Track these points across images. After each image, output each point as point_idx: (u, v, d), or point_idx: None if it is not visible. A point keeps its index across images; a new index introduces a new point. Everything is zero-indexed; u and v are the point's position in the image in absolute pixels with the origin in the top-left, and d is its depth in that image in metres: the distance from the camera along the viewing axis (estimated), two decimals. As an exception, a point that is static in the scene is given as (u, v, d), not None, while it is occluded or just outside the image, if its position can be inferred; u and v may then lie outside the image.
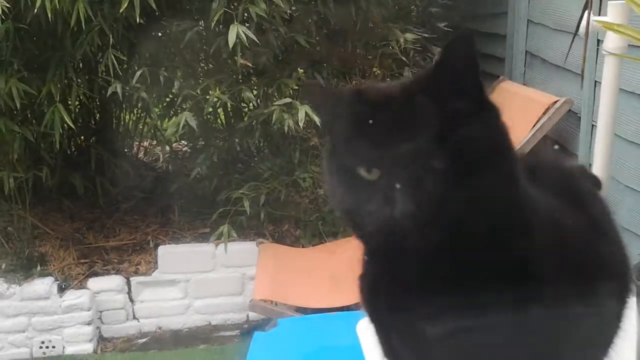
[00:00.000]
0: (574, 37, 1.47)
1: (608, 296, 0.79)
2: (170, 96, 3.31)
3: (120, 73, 2.86)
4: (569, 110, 2.55)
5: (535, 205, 0.69)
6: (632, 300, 0.86)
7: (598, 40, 2.09)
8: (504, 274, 0.65)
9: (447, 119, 0.63)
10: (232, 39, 2.46)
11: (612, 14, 1.43)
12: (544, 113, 2.56)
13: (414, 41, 3.15)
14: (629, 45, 1.54)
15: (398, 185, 0.61)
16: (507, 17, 3.39)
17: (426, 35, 3.27)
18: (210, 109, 3.25)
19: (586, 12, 1.42)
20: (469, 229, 0.62)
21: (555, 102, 2.54)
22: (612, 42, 1.47)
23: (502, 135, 0.66)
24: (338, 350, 1.86)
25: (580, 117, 2.46)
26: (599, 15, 1.61)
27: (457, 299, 0.65)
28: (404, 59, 3.15)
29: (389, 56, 3.17)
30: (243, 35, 2.47)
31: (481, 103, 0.66)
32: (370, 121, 0.64)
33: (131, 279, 3.19)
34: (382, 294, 0.71)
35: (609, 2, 1.45)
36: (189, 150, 3.75)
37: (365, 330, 1.35)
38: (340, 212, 0.69)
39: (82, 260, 3.25)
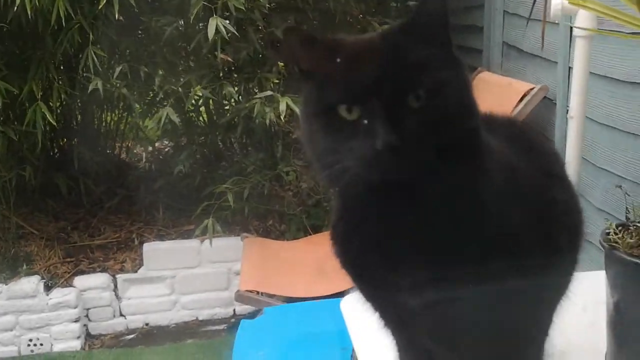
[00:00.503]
0: (528, 20, 1.51)
1: (565, 246, 0.83)
2: (152, 93, 3.32)
3: (101, 70, 2.87)
4: (545, 97, 2.60)
5: (494, 153, 0.74)
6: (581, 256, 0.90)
7: (571, 28, 2.13)
8: (469, 220, 0.69)
9: (421, 62, 0.67)
10: (211, 31, 2.49)
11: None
12: (521, 100, 2.61)
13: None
14: (598, 28, 1.59)
15: (378, 121, 0.65)
16: (484, 9, 3.44)
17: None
18: (192, 106, 3.27)
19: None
20: (441, 169, 0.66)
21: (531, 89, 2.59)
22: (582, 24, 1.51)
23: (468, 85, 0.71)
24: (323, 335, 1.90)
25: (555, 104, 2.51)
26: None
27: (429, 247, 0.69)
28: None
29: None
30: (222, 29, 2.50)
31: (450, 54, 0.71)
32: (348, 62, 0.68)
33: (117, 276, 3.20)
34: (357, 242, 0.74)
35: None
36: (171, 149, 3.77)
37: (349, 308, 1.38)
38: (318, 157, 0.71)
39: (68, 259, 3.26)
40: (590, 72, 1.72)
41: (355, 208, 0.74)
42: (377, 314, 0.83)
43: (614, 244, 0.87)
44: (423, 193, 0.68)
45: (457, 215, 0.69)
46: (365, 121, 0.66)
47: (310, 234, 3.27)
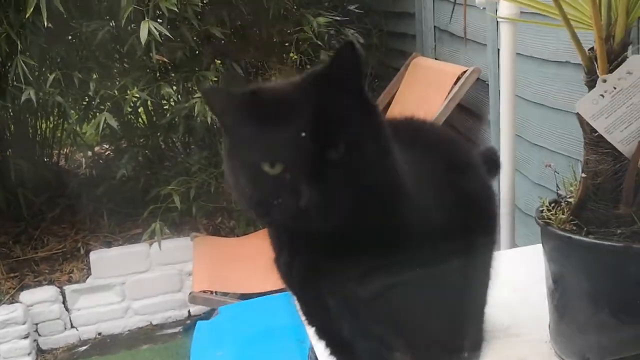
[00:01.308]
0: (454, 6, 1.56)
1: (481, 230, 0.88)
2: (87, 99, 3.25)
3: (32, 79, 2.79)
4: (478, 78, 2.68)
5: (405, 171, 0.76)
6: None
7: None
8: (394, 234, 0.74)
9: (340, 115, 0.69)
10: (144, 35, 2.45)
11: (504, -18, 1.53)
12: (455, 83, 2.68)
13: (327, 25, 3.21)
14: (521, 12, 1.66)
15: (301, 178, 0.67)
16: (414, -5, 3.50)
17: (338, 18, 3.34)
18: (130, 108, 3.21)
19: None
20: (364, 207, 0.69)
21: (465, 72, 2.67)
22: (505, 8, 1.57)
23: (384, 131, 0.73)
24: (279, 330, 1.92)
25: (488, 84, 2.59)
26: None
27: (362, 263, 0.74)
28: (319, 42, 3.20)
29: (305, 41, 3.22)
30: (155, 31, 2.46)
31: (367, 102, 0.73)
32: (268, 117, 0.69)
33: (65, 287, 3.13)
34: (296, 270, 0.78)
35: (500, -29, 1.55)
36: (112, 152, 3.69)
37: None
38: (247, 206, 0.73)
39: (12, 274, 3.17)
40: (518, 53, 1.78)
41: (289, 244, 0.77)
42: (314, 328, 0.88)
43: (547, 221, 0.93)
44: (346, 231, 0.71)
45: (383, 238, 0.73)
46: (288, 176, 0.67)
47: (260, 228, 3.27)
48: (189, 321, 3.25)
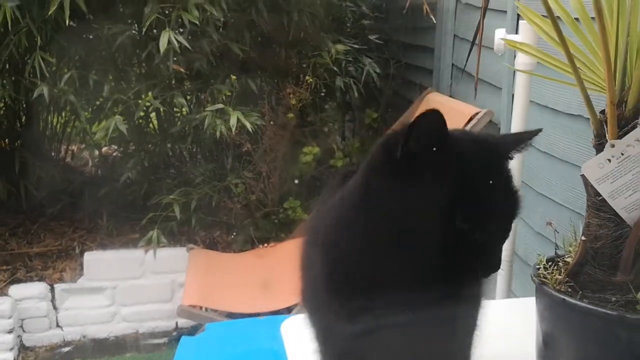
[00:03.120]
0: (472, 48, 1.56)
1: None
2: (100, 100, 3.26)
3: (48, 75, 2.81)
4: (490, 121, 2.68)
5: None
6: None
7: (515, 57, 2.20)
8: None
9: None
10: (163, 44, 2.47)
11: (523, 33, 1.53)
12: (467, 123, 2.68)
13: (345, 52, 3.23)
14: (538, 62, 1.65)
15: None
16: (435, 31, 3.52)
17: (357, 46, 3.36)
18: (142, 114, 3.22)
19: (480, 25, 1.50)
20: None
21: (477, 113, 2.67)
22: (522, 58, 1.57)
23: None
24: (264, 352, 1.89)
25: (500, 128, 2.58)
26: (516, 33, 1.72)
27: None
28: (335, 69, 3.22)
29: (321, 65, 3.24)
30: (174, 42, 2.48)
31: None
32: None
33: (55, 285, 3.11)
34: None
35: (520, 21, 1.54)
36: (119, 154, 3.70)
37: (289, 330, 1.39)
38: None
39: (4, 267, 3.16)
40: (531, 101, 1.78)
41: None
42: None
43: (543, 279, 0.91)
44: None
45: None
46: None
47: (258, 246, 3.26)
48: (175, 333, 3.22)
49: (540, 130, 0.83)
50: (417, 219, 0.70)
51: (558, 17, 0.89)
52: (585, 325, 0.86)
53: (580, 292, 0.86)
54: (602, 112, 0.86)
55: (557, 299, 0.87)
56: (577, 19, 0.93)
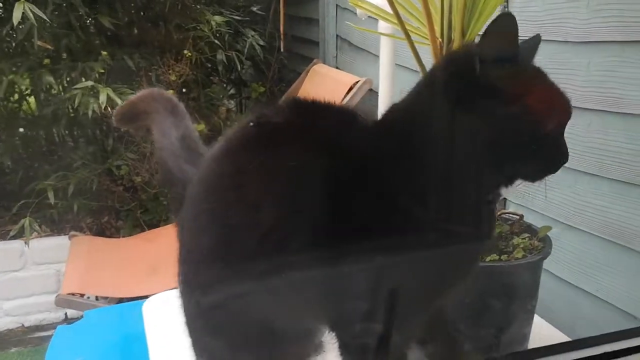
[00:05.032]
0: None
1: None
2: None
3: None
4: (371, 89, 2.70)
5: None
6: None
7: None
8: None
9: None
10: (17, 17, 2.28)
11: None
12: (348, 92, 2.69)
13: (227, 24, 3.14)
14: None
15: None
16: (318, 2, 3.50)
17: (239, 18, 3.28)
18: (17, 97, 3.00)
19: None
20: None
21: (357, 82, 2.68)
22: (384, 23, 1.56)
23: None
24: (144, 336, 1.83)
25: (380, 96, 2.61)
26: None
27: None
28: (217, 42, 3.13)
29: (202, 39, 3.14)
30: (30, 14, 2.30)
31: None
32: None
33: None
34: None
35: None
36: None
37: (149, 311, 1.34)
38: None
39: None
40: (397, 64, 1.79)
41: None
42: None
43: None
44: None
45: None
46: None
47: (146, 230, 3.16)
48: (65, 324, 3.07)
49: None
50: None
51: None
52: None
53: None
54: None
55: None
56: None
